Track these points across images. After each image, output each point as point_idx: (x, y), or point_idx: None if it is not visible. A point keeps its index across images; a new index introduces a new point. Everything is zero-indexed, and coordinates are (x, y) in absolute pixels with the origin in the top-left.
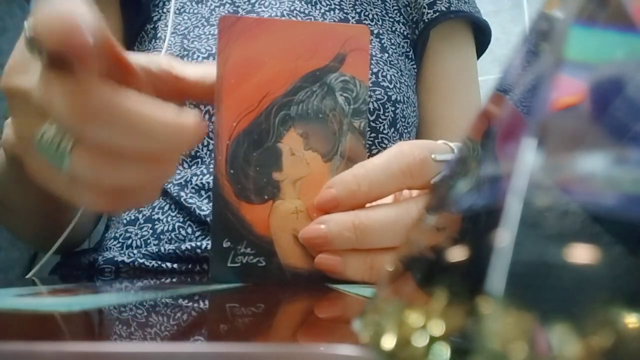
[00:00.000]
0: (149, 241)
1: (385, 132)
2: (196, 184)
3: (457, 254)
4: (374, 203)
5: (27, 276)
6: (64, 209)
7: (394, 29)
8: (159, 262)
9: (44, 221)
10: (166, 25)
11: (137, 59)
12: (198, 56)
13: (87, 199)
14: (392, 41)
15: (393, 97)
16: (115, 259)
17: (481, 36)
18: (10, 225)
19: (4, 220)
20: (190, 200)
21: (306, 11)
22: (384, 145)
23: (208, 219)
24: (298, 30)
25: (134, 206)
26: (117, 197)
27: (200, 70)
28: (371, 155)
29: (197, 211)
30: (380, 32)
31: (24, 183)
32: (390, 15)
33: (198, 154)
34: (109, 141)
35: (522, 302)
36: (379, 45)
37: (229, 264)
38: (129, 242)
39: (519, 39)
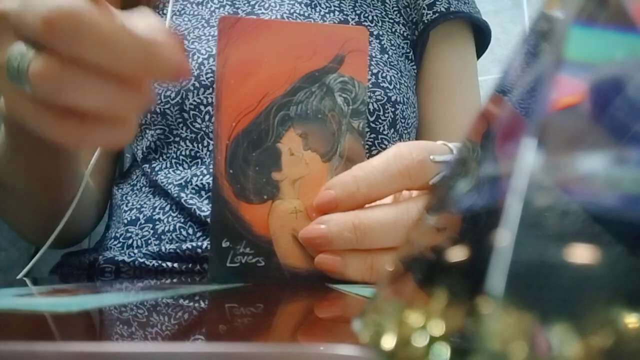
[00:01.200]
0: (149, 241)
1: (385, 133)
2: (196, 185)
3: (457, 254)
4: (373, 204)
5: (19, 276)
6: (61, 187)
7: (393, 30)
8: (159, 262)
9: (40, 206)
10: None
11: None
12: (198, 57)
13: (50, 124)
14: (392, 42)
15: (393, 98)
16: (116, 258)
17: (481, 36)
18: (8, 212)
19: (1, 204)
20: (191, 201)
21: (306, 14)
22: (383, 146)
23: (209, 220)
24: (297, 31)
25: (104, 144)
26: (83, 127)
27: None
28: (371, 156)
29: (198, 212)
30: (380, 33)
31: (22, 156)
32: (390, 16)
33: (198, 154)
34: (75, 51)
35: (522, 302)
36: (379, 46)
37: (228, 264)
38: (130, 242)
39: (519, 39)
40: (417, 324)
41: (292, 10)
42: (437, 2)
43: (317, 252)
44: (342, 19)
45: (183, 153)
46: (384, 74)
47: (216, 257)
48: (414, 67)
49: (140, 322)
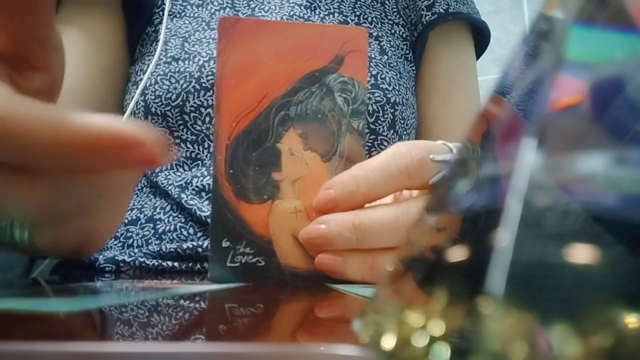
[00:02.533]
0: (150, 241)
1: (384, 134)
2: (197, 186)
3: (457, 254)
4: (373, 203)
5: (32, 276)
6: None
7: (393, 31)
8: (160, 261)
9: None
10: (166, 28)
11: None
12: (199, 60)
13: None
14: (392, 43)
15: (392, 99)
16: (116, 258)
17: (480, 37)
18: None
19: None
20: (191, 202)
21: (305, 16)
22: (383, 147)
23: (209, 220)
24: (297, 32)
25: None
26: None
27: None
28: (370, 157)
29: (198, 212)
30: (380, 34)
31: None
32: (389, 17)
33: (198, 156)
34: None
35: (522, 302)
36: (378, 47)
37: (228, 264)
38: (130, 241)
39: (519, 39)
40: (417, 324)
41: (291, 13)
42: (436, 3)
43: (317, 252)
44: (342, 20)
45: (183, 155)
46: (383, 76)
47: (216, 257)
48: (413, 68)
49: (140, 322)
